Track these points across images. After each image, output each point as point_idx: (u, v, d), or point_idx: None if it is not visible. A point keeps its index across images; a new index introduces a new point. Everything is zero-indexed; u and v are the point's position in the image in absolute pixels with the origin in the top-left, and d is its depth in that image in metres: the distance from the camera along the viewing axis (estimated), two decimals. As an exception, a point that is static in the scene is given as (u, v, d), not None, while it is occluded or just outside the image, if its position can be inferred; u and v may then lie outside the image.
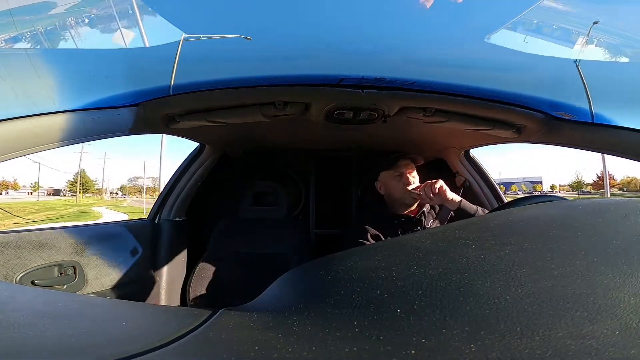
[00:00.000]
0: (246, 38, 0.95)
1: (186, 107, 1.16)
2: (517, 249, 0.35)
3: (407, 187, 1.40)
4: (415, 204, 1.44)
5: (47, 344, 0.27)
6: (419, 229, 1.38)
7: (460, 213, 1.32)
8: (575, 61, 1.04)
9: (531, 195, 1.00)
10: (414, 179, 1.43)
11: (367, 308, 0.30)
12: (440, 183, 1.33)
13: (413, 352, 0.24)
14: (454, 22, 1.00)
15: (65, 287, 1.24)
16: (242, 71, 1.06)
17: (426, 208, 1.46)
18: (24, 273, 1.12)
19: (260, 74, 1.07)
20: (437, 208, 1.48)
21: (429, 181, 1.35)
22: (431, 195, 1.32)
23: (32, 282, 1.13)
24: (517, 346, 0.23)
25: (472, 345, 0.23)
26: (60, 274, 1.23)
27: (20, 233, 1.21)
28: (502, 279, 0.30)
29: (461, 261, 0.34)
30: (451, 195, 1.33)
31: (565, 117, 1.20)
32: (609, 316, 0.25)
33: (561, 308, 0.26)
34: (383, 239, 1.33)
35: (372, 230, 1.38)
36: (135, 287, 1.53)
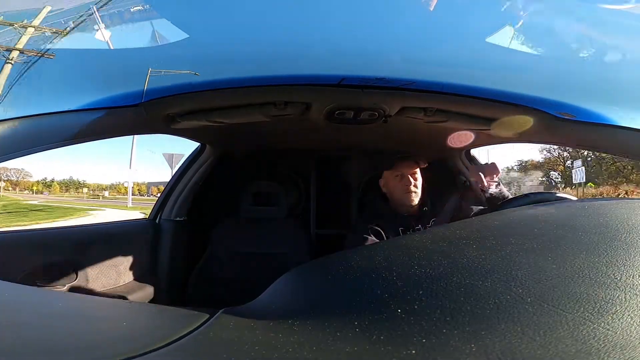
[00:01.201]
0: (195, 74, 0.97)
1: (187, 107, 1.16)
2: (518, 249, 0.35)
3: (408, 188, 1.40)
4: (415, 204, 1.44)
5: (47, 344, 0.27)
6: (419, 228, 1.38)
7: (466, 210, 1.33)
8: (576, 61, 1.04)
9: (532, 193, 0.99)
10: (416, 181, 1.43)
11: (367, 308, 0.30)
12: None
13: (414, 352, 0.23)
14: (454, 22, 1.00)
15: (66, 287, 1.24)
16: (242, 71, 1.06)
17: (427, 207, 1.45)
18: (25, 273, 1.12)
19: (261, 74, 1.07)
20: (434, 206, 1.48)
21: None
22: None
23: (33, 282, 1.14)
24: (518, 346, 0.23)
25: (472, 345, 0.23)
26: (61, 274, 1.23)
27: (21, 233, 1.21)
28: (502, 278, 0.30)
29: (462, 261, 0.34)
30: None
31: (567, 117, 1.19)
32: (610, 316, 0.25)
33: (562, 308, 0.26)
34: (385, 237, 1.33)
35: (375, 229, 1.38)
36: (136, 287, 1.52)
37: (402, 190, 1.42)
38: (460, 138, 1.75)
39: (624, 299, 0.26)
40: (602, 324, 0.24)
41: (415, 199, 1.42)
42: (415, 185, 1.42)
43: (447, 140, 1.77)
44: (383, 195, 1.53)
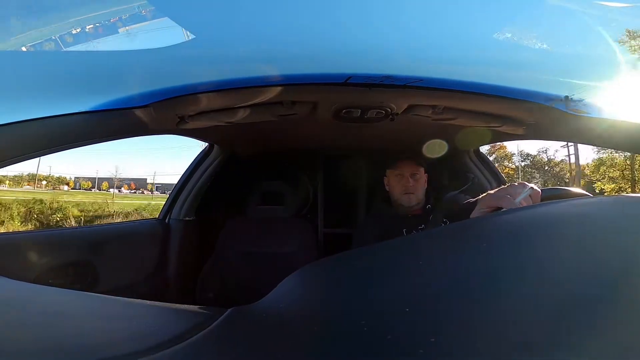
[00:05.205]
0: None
1: (195, 107, 1.17)
2: (523, 249, 0.34)
3: (405, 189, 1.40)
4: (415, 204, 1.43)
5: (59, 343, 0.27)
6: (423, 228, 1.37)
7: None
8: (586, 56, 1.03)
9: (544, 189, 0.96)
10: (416, 182, 1.42)
11: (374, 307, 0.30)
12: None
13: (421, 351, 0.23)
14: (461, 18, 0.99)
15: (78, 286, 1.26)
16: (250, 71, 1.07)
17: (431, 206, 1.44)
18: (39, 273, 1.14)
19: (268, 74, 1.07)
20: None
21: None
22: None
23: (47, 282, 1.16)
24: (525, 346, 0.22)
25: (479, 346, 0.23)
26: (74, 273, 1.25)
27: (35, 233, 1.24)
28: (506, 282, 0.29)
29: (464, 262, 0.33)
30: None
31: (577, 113, 1.17)
32: (624, 325, 0.24)
33: (566, 311, 0.25)
34: (390, 237, 1.32)
35: (379, 229, 1.38)
36: (146, 286, 1.55)
37: (400, 191, 1.41)
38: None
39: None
40: (614, 333, 0.23)
41: (413, 200, 1.41)
42: (413, 186, 1.41)
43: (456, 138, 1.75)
44: (388, 194, 1.52)
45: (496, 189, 0.79)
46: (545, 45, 1.04)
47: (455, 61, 1.07)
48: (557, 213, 0.42)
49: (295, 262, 1.75)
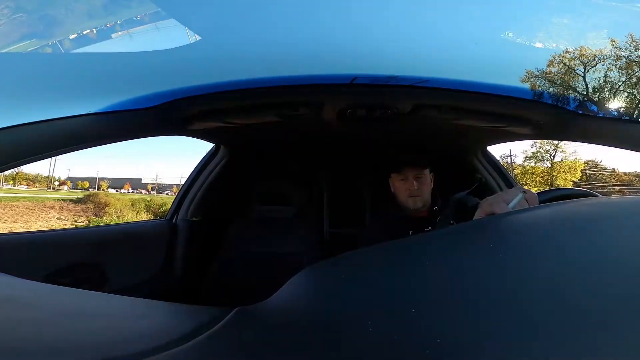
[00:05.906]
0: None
1: (201, 108, 1.18)
2: (530, 251, 0.33)
3: (410, 192, 1.38)
4: (421, 206, 1.41)
5: (65, 341, 0.28)
6: (429, 229, 1.35)
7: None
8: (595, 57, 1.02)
9: (555, 189, 0.95)
10: (422, 185, 1.41)
11: (380, 308, 0.30)
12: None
13: (427, 352, 0.23)
14: (468, 19, 0.99)
15: (87, 286, 1.27)
16: (256, 72, 1.07)
17: (438, 207, 1.43)
18: (47, 272, 1.15)
19: (275, 75, 1.08)
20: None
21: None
22: None
23: (55, 281, 1.17)
24: (528, 347, 0.22)
25: (483, 347, 0.23)
26: (82, 273, 1.27)
27: (44, 233, 1.25)
28: (513, 284, 0.29)
29: (471, 263, 0.33)
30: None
31: (586, 113, 1.16)
32: (633, 330, 0.23)
33: (575, 313, 0.25)
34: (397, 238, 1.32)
35: (384, 232, 1.37)
36: (152, 285, 1.56)
37: (405, 194, 1.40)
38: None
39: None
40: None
41: (419, 202, 1.39)
42: (419, 189, 1.39)
43: (463, 138, 1.74)
44: (393, 195, 1.52)
45: (493, 195, 0.79)
46: (551, 45, 1.03)
47: (460, 61, 1.06)
48: (568, 213, 0.40)
49: (301, 262, 1.75)
